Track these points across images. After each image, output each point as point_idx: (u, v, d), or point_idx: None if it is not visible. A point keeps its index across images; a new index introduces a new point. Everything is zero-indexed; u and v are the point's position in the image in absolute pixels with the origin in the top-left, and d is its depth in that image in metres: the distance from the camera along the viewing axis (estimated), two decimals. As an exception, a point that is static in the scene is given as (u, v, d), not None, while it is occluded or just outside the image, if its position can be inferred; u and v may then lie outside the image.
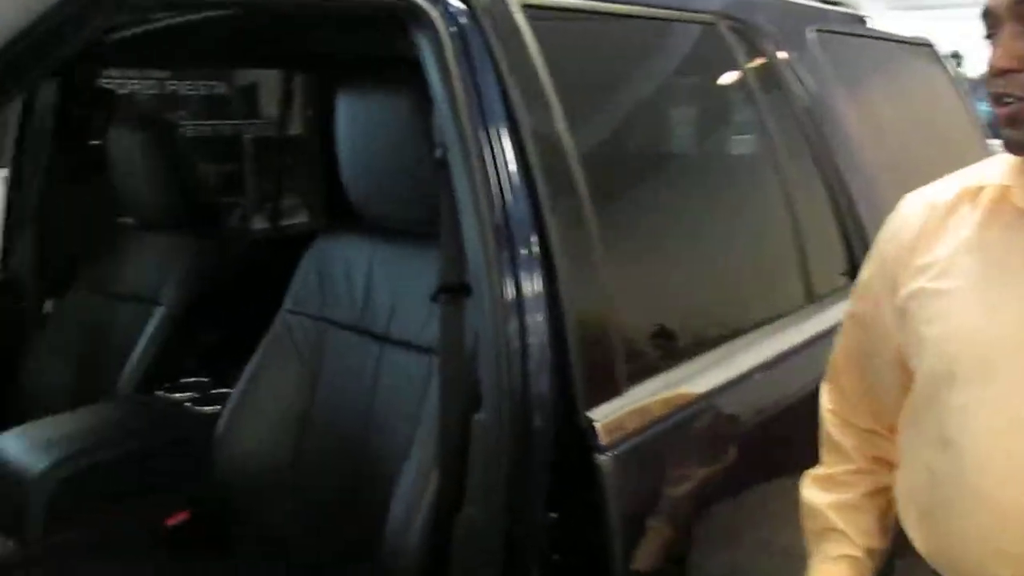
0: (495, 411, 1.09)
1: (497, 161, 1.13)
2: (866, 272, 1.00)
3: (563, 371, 1.12)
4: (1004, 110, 0.78)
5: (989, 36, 0.80)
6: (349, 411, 1.50)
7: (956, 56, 5.84)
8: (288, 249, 1.67)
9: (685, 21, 1.65)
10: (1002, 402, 0.81)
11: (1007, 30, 0.78)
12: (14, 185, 2.27)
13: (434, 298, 1.22)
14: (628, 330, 1.27)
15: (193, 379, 1.86)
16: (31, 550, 1.44)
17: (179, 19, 1.68)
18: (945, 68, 2.44)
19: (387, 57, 1.54)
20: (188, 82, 5.41)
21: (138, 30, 1.82)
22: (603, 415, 1.13)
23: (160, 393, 1.81)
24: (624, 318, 1.25)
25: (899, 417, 0.95)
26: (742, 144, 1.87)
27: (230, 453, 1.55)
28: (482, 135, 1.13)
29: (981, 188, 0.87)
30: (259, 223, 2.98)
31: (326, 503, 1.47)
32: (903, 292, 0.90)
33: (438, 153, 1.18)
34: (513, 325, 1.09)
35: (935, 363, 0.86)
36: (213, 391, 1.78)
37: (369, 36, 1.68)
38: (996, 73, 0.78)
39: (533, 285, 1.12)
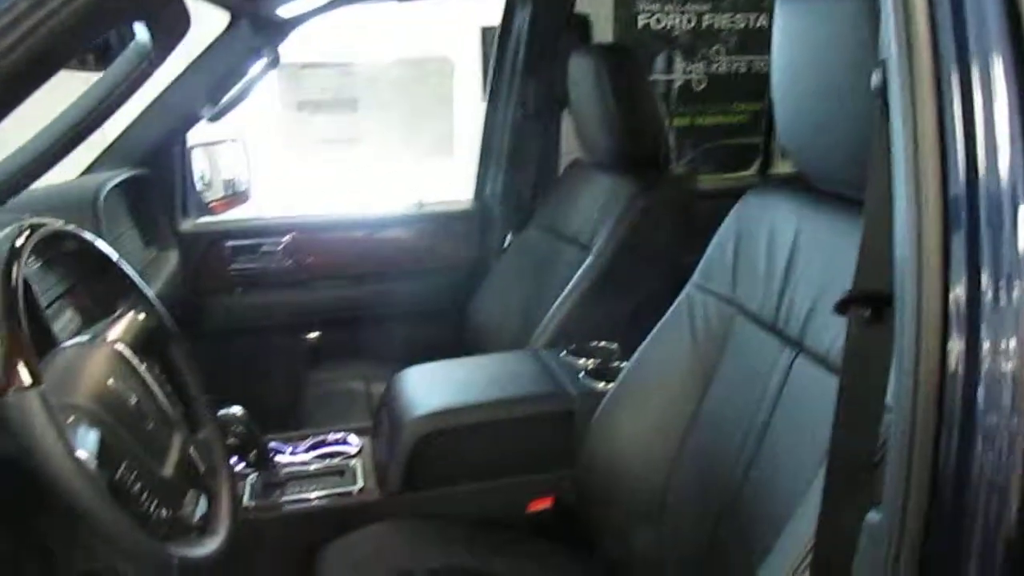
0: (895, 519, 0.65)
1: (970, 97, 0.64)
2: None
3: None
4: None
5: None
6: (743, 424, 1.13)
7: None
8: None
9: None
10: None
11: None
12: (489, 117, 2.29)
13: (840, 310, 0.79)
14: None
15: (603, 343, 1.64)
16: (388, 503, 1.39)
17: None
18: None
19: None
20: (728, 15, 5.25)
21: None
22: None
23: (565, 354, 1.63)
24: None
25: None
26: None
27: (603, 443, 1.31)
28: (947, 52, 0.65)
29: None
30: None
31: (696, 532, 1.14)
32: None
33: (874, 79, 0.73)
34: (951, 375, 0.62)
35: None
36: (614, 363, 1.54)
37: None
38: None
39: (1008, 305, 0.60)
